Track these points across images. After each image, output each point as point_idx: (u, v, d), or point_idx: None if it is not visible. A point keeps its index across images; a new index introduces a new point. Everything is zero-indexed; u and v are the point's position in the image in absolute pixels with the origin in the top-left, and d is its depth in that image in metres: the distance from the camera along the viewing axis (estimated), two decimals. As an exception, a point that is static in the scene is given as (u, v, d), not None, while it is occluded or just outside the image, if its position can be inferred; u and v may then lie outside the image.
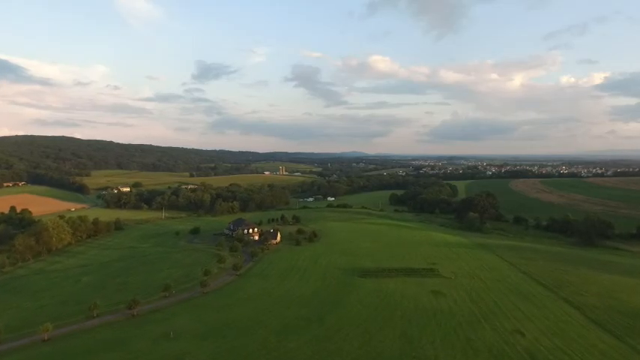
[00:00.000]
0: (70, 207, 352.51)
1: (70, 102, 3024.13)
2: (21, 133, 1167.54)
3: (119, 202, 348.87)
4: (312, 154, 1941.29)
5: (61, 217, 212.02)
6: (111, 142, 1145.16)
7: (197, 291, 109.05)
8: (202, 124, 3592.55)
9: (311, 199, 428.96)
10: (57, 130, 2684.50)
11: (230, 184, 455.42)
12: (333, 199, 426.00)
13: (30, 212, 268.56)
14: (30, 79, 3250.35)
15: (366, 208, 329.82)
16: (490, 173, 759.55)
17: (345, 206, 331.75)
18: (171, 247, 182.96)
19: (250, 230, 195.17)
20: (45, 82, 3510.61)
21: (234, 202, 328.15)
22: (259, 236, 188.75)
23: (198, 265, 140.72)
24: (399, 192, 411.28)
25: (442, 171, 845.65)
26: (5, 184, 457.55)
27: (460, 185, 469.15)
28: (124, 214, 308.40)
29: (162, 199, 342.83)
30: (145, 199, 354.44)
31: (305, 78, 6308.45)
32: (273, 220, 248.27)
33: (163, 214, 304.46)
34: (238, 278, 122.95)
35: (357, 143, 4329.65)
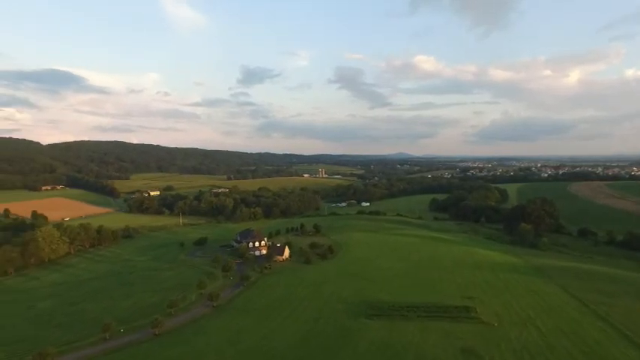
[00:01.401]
0: (96, 211, 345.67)
1: (125, 109, 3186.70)
2: (85, 138, 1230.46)
3: (141, 206, 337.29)
4: (357, 156, 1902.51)
5: (59, 225, 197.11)
6: (157, 146, 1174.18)
7: (148, 332, 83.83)
8: (248, 128, 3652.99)
9: (343, 205, 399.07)
10: (114, 136, 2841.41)
11: (259, 188, 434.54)
12: (367, 204, 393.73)
13: (45, 218, 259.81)
14: (90, 89, 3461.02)
15: (401, 215, 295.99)
16: (546, 175, 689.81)
17: (377, 213, 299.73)
18: (167, 262, 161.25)
19: (257, 243, 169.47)
20: (103, 90, 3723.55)
21: (257, 208, 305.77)
22: (267, 250, 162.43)
23: (181, 288, 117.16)
24: (441, 196, 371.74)
25: (491, 173, 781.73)
26: (44, 188, 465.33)
27: (511, 189, 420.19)
28: (143, 220, 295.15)
29: (184, 204, 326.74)
30: (167, 204, 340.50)
31: (348, 80, 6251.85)
32: (292, 229, 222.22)
33: (181, 220, 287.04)
34: (212, 312, 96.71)
35: (403, 145, 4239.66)
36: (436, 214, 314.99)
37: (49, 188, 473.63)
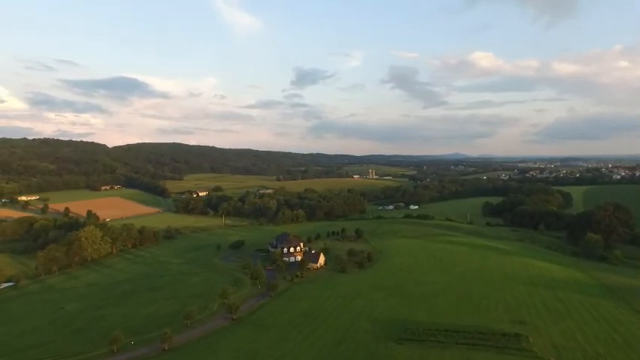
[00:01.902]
0: (146, 211, 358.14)
1: (185, 112, 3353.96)
2: (147, 141, 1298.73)
3: (187, 207, 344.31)
4: (410, 156, 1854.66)
5: (102, 225, 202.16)
6: (211, 147, 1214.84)
7: (158, 346, 78.72)
8: (301, 129, 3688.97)
9: (390, 208, 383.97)
10: (174, 137, 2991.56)
11: (304, 190, 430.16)
12: (416, 207, 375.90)
13: (97, 217, 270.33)
14: (153, 94, 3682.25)
15: (451, 220, 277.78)
16: (618, 177, 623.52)
17: (426, 217, 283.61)
18: (200, 266, 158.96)
19: (292, 249, 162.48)
20: (165, 95, 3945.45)
21: (300, 211, 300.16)
22: (302, 256, 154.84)
23: (205, 296, 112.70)
24: (496, 200, 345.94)
25: (553, 174, 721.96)
26: (103, 188, 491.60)
27: (576, 192, 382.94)
28: (188, 220, 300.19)
29: (228, 205, 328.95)
30: (212, 204, 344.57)
31: (402, 79, 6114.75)
32: (333, 233, 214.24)
33: (224, 221, 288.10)
34: (230, 325, 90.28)
35: (458, 145, 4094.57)
36: (489, 218, 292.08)
37: (107, 188, 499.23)
